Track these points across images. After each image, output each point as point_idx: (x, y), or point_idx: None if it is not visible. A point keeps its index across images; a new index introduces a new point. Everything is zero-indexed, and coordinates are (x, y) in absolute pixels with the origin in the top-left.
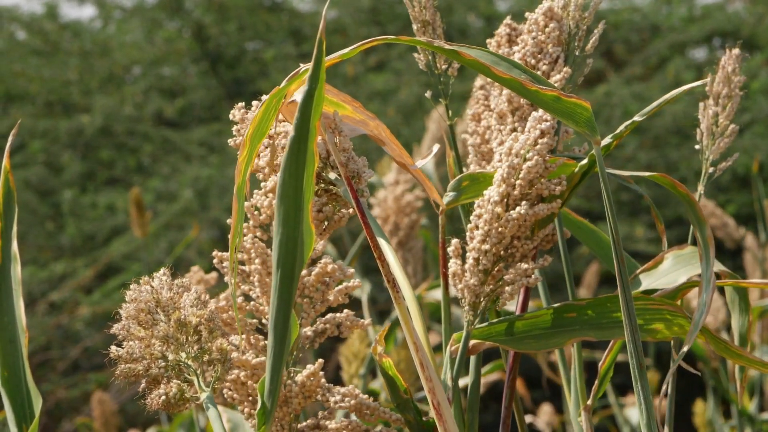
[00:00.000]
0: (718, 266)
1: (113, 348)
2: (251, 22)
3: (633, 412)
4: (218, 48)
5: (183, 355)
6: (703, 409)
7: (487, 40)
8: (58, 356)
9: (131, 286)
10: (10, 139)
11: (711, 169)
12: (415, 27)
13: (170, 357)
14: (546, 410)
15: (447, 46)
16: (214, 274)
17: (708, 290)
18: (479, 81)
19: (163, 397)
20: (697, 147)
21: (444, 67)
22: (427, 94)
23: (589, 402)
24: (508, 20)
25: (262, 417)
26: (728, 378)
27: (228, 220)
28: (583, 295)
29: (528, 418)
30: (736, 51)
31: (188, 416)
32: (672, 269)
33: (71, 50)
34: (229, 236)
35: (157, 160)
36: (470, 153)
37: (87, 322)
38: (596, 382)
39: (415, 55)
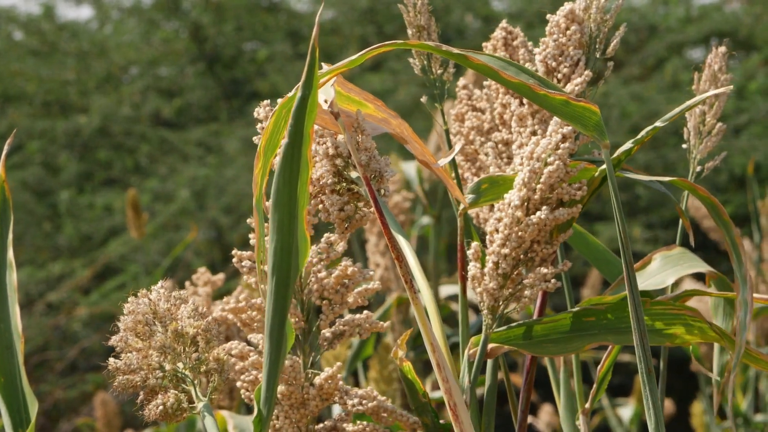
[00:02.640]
0: (705, 267)
1: (111, 360)
2: (249, 23)
3: (625, 411)
4: (216, 48)
5: (180, 365)
6: (700, 410)
7: (483, 44)
8: (55, 357)
9: (129, 299)
10: (5, 147)
11: (698, 168)
12: (410, 32)
13: (167, 367)
14: (546, 410)
15: (455, 51)
16: (221, 275)
17: (746, 288)
18: (462, 80)
19: (161, 407)
20: (684, 146)
21: (439, 71)
22: (423, 99)
23: (587, 405)
24: (504, 24)
25: (258, 424)
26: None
27: (249, 220)
28: (586, 295)
29: (528, 419)
30: (722, 49)
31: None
32: (660, 270)
33: (68, 50)
34: (255, 248)
35: (155, 160)
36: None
37: (85, 323)
38: (594, 385)
39: (410, 60)
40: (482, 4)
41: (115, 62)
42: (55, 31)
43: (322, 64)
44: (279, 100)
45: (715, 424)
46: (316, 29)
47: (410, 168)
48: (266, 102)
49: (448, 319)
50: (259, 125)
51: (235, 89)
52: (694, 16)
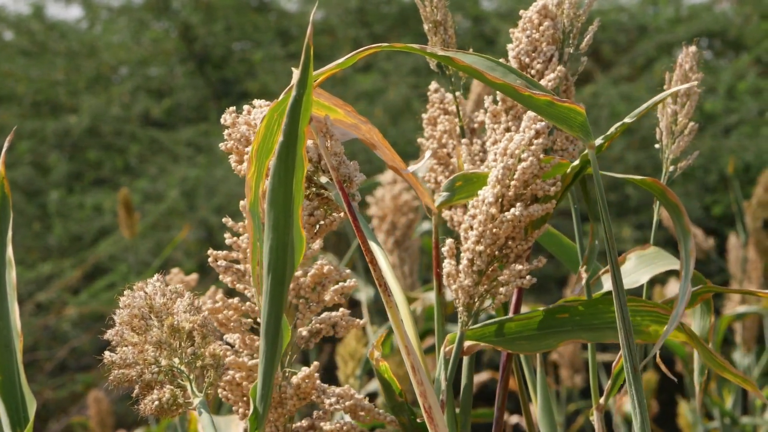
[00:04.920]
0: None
1: (107, 354)
2: (238, 23)
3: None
4: (205, 48)
5: (176, 360)
6: (687, 411)
7: (511, 30)
8: (45, 357)
9: (125, 292)
10: (5, 145)
11: (671, 168)
12: (426, 27)
13: (163, 362)
14: (534, 410)
15: (441, 52)
16: (194, 276)
17: (682, 302)
18: (434, 84)
19: (156, 403)
20: (657, 146)
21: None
22: (438, 95)
23: (601, 401)
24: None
25: (254, 422)
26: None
27: (224, 219)
28: (569, 296)
29: (515, 418)
30: (692, 48)
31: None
32: (635, 269)
33: (58, 50)
34: (236, 239)
35: (145, 160)
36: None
37: (74, 323)
38: (609, 381)
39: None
40: (472, 3)
41: (105, 62)
42: (44, 31)
43: None
44: (246, 107)
45: (701, 424)
46: (310, 28)
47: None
48: (232, 108)
49: (453, 317)
50: (225, 132)
51: (225, 89)
52: (684, 16)
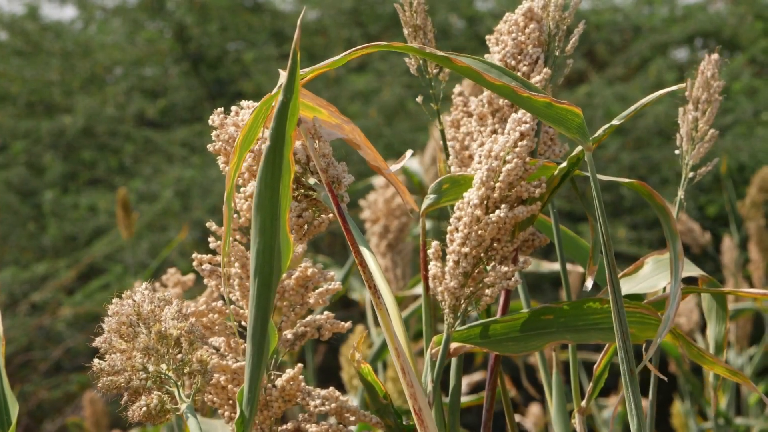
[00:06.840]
0: (697, 271)
1: (95, 361)
2: (233, 23)
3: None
4: (200, 48)
5: (163, 366)
6: (680, 410)
7: (487, 37)
8: (39, 357)
9: (113, 300)
10: None
11: (691, 174)
12: (406, 31)
13: (151, 369)
14: (534, 411)
15: (439, 53)
16: (191, 276)
17: (674, 305)
18: (458, 87)
19: (144, 409)
20: (677, 152)
21: (435, 71)
22: (419, 99)
23: (583, 404)
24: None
25: (240, 426)
26: (702, 379)
27: (208, 224)
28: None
29: (515, 418)
30: (715, 56)
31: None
32: (652, 274)
33: (53, 51)
34: (221, 242)
35: (139, 160)
36: (450, 160)
37: (69, 323)
38: (591, 384)
39: (406, 59)
40: (466, 4)
41: (100, 62)
42: (39, 31)
43: None
44: (234, 108)
45: (696, 425)
46: (297, 33)
47: (414, 163)
48: (220, 110)
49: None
50: (213, 133)
51: (220, 89)
52: (679, 16)
